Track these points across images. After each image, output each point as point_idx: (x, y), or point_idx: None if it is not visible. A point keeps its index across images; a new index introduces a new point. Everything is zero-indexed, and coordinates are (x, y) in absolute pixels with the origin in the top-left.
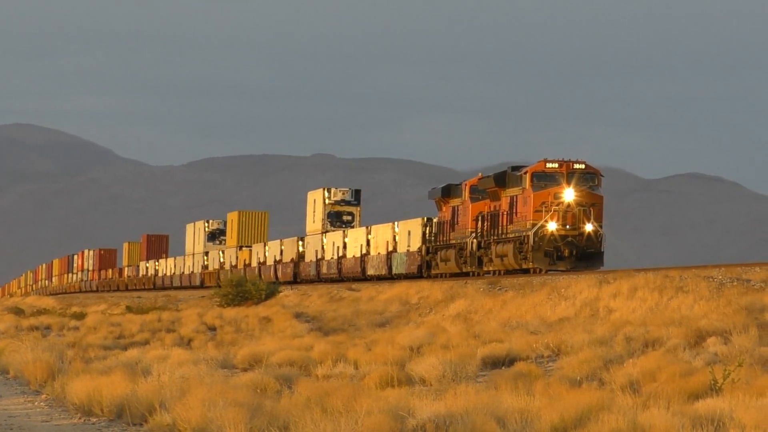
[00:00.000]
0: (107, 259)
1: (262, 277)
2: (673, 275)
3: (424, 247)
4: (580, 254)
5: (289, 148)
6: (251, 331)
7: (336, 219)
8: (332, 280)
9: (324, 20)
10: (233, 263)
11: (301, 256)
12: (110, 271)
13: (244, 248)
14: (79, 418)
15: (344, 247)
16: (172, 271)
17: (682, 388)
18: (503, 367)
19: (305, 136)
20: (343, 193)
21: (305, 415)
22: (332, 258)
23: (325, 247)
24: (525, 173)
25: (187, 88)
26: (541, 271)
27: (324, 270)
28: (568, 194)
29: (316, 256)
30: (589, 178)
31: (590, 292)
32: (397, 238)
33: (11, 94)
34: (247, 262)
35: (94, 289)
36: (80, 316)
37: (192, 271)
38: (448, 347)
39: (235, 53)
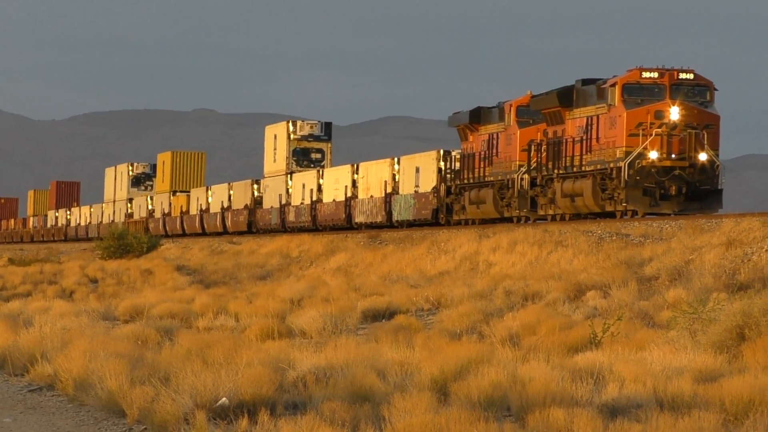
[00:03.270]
0: (7, 208)
1: (206, 225)
2: (553, 230)
3: (443, 187)
4: (692, 192)
5: (170, 103)
6: (133, 283)
7: (303, 157)
8: (303, 229)
9: None
10: (165, 210)
11: (257, 202)
12: (12, 221)
13: (179, 193)
14: None
15: (319, 189)
16: (88, 221)
17: (561, 342)
18: (383, 320)
19: (186, 92)
20: (311, 127)
21: (186, 366)
22: (302, 203)
23: (291, 190)
24: (613, 85)
25: (66, 42)
26: (636, 214)
27: (291, 217)
28: (674, 113)
29: (280, 202)
30: (699, 91)
31: (470, 246)
32: (397, 177)
33: None
34: (184, 209)
35: None
36: None
37: (113, 220)
38: (329, 300)
39: (114, 6)
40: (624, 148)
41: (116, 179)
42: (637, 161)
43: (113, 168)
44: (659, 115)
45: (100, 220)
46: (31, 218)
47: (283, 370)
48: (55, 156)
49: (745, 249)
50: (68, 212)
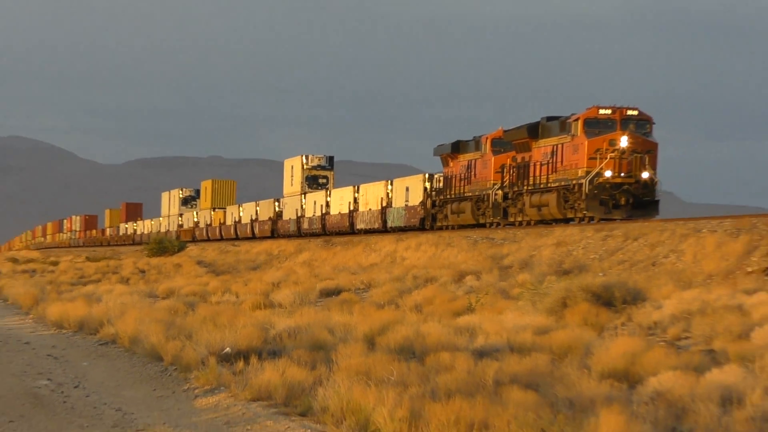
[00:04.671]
0: (91, 222)
1: (239, 233)
2: (444, 235)
3: (429, 201)
4: (636, 202)
5: (192, 151)
6: (168, 272)
7: (313, 182)
8: (314, 235)
9: (214, 59)
10: (208, 222)
11: (278, 215)
12: (94, 231)
13: (217, 210)
14: (55, 330)
15: (327, 205)
16: (150, 230)
17: (449, 309)
18: (333, 296)
19: (203, 142)
20: (319, 159)
21: (203, 327)
22: (314, 215)
23: (305, 206)
24: (576, 120)
25: (123, 109)
26: (592, 219)
27: (305, 226)
28: (624, 141)
29: (296, 214)
30: (642, 124)
31: (391, 246)
32: (391, 194)
33: (12, 113)
34: (221, 221)
35: (81, 244)
36: (55, 263)
37: (168, 230)
38: (297, 283)
39: (154, 84)
40: (585, 169)
41: (170, 200)
42: (595, 178)
43: (168, 192)
44: (612, 143)
45: (158, 229)
46: (108, 228)
47: (267, 329)
48: (119, 188)
49: (568, 247)
50: (135, 224)
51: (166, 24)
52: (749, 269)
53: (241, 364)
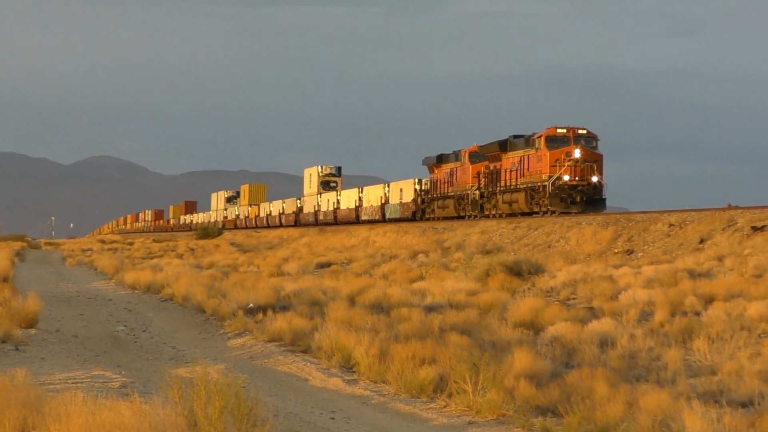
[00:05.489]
0: (159, 214)
1: (269, 223)
2: (402, 225)
3: (419, 199)
4: (588, 200)
5: (227, 166)
6: (210, 250)
7: (326, 186)
8: (328, 224)
9: (242, 103)
10: (246, 215)
11: (300, 209)
12: (161, 221)
13: (252, 206)
14: (129, 291)
15: (338, 202)
16: (202, 221)
17: (407, 277)
18: (325, 268)
19: (235, 159)
20: (331, 169)
21: (234, 289)
22: (328, 209)
23: (320, 203)
24: (539, 137)
25: (180, 137)
26: (554, 213)
27: (321, 218)
28: (577, 153)
29: (314, 209)
30: (590, 140)
31: (366, 233)
32: (388, 194)
33: (102, 138)
34: (256, 214)
35: (151, 231)
36: (131, 244)
37: (216, 220)
38: (300, 258)
39: (198, 119)
40: (548, 174)
41: (218, 199)
42: (556, 181)
43: (216, 193)
44: (568, 154)
45: (209, 220)
46: (171, 219)
47: (279, 291)
48: (179, 191)
49: (490, 235)
50: (191, 216)
51: (210, 84)
52: (616, 251)
53: (260, 315)
